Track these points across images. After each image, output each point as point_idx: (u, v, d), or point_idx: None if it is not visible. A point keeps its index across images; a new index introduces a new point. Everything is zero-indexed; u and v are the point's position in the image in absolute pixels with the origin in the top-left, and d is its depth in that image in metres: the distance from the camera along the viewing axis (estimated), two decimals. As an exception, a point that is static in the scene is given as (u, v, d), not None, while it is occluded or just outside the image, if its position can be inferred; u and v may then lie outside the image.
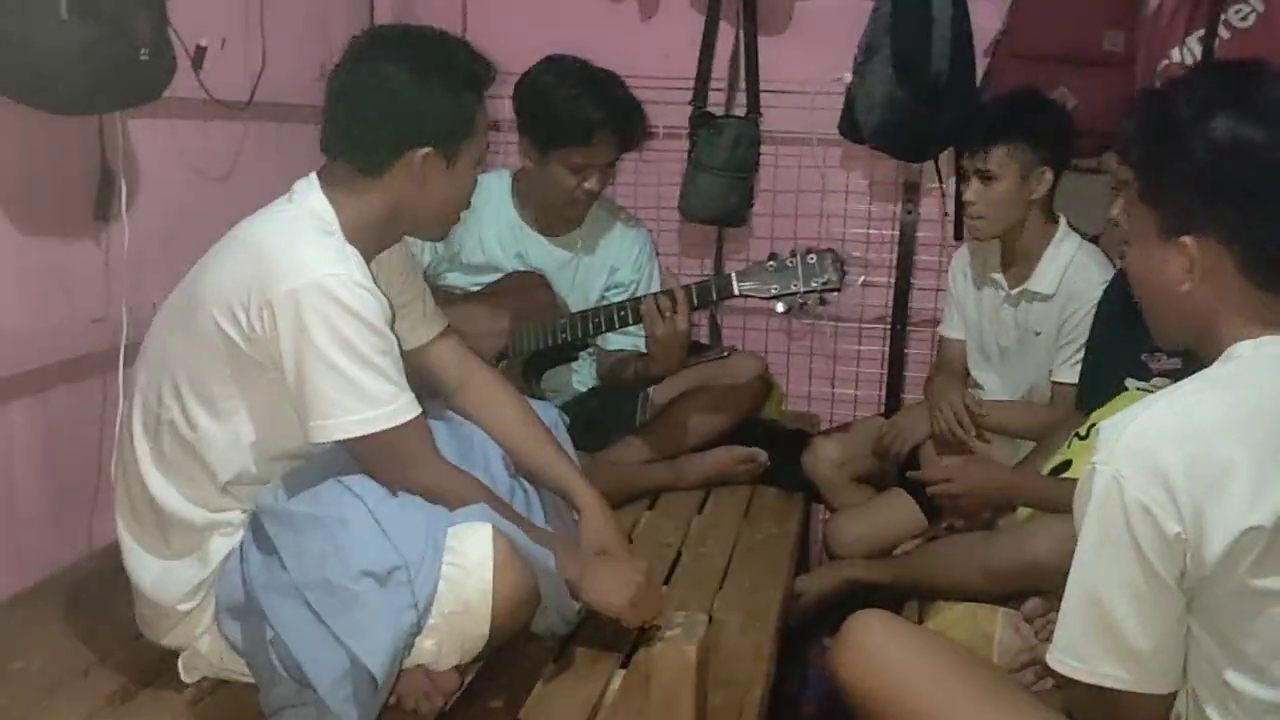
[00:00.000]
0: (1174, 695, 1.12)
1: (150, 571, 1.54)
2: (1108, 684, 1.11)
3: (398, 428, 1.47)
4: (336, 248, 1.48)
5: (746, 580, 1.98)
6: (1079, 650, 1.12)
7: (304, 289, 1.41)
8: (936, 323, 2.80)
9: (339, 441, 1.47)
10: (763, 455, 2.49)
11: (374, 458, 1.49)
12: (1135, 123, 1.18)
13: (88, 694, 1.53)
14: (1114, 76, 2.61)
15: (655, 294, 2.24)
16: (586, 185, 2.33)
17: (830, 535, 2.43)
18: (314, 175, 1.58)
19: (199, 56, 2.21)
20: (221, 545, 1.51)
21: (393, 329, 1.52)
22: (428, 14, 3.06)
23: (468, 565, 1.41)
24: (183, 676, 1.56)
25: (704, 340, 3.06)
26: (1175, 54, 2.54)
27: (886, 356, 3.04)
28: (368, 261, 1.54)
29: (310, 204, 1.54)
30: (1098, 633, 1.10)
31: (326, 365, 1.42)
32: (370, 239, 1.56)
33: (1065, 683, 1.18)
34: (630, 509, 2.30)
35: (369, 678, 1.33)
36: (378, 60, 1.55)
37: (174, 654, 1.58)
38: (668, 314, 2.17)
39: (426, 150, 1.52)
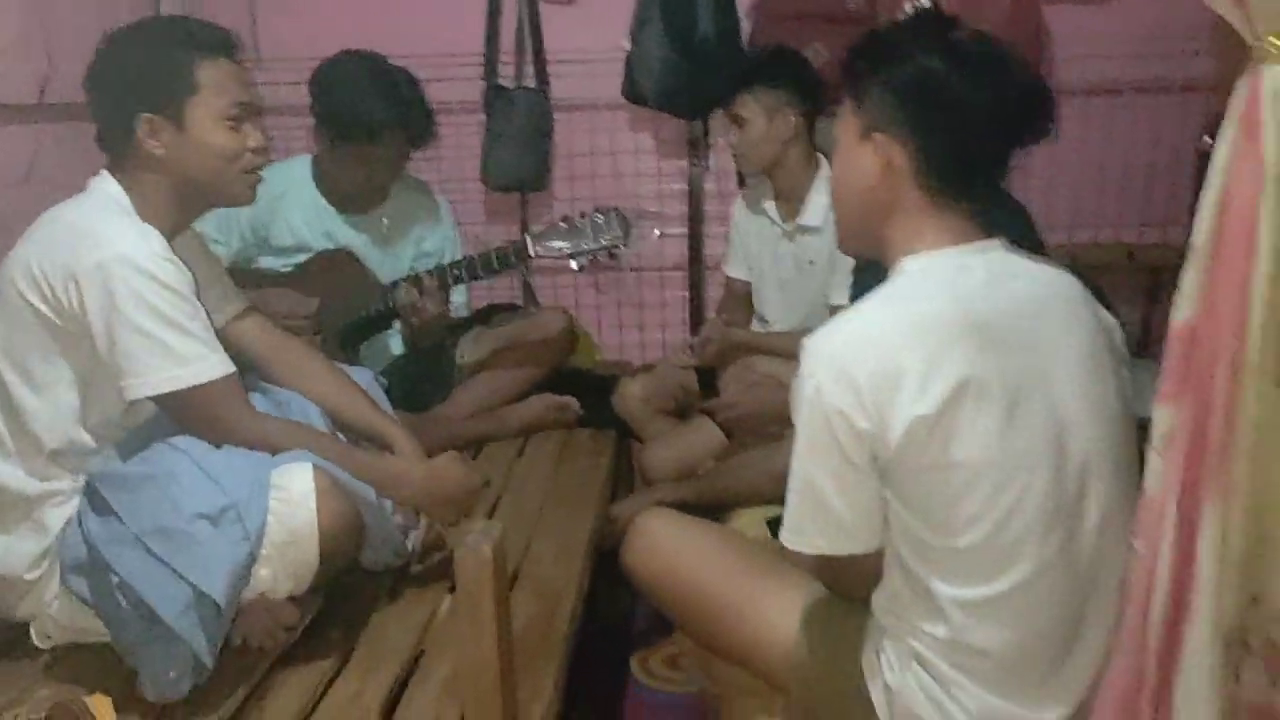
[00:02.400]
0: (880, 552, 1.36)
1: None
2: (825, 552, 1.35)
3: (209, 383, 1.59)
4: (135, 225, 1.59)
5: (561, 511, 2.18)
6: (799, 527, 1.35)
7: (109, 261, 1.52)
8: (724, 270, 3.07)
9: (155, 400, 1.58)
10: (575, 403, 2.69)
11: (189, 414, 1.61)
12: (856, 51, 1.40)
13: (-59, 673, 1.61)
14: (859, 32, 2.86)
15: (407, 279, 2.42)
16: (375, 178, 2.49)
17: (643, 464, 2.64)
18: (104, 169, 1.69)
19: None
20: (57, 515, 1.61)
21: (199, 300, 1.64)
22: (214, 3, 3.13)
23: (292, 499, 1.56)
24: (36, 642, 1.65)
25: (516, 301, 3.25)
26: (908, 8, 2.84)
27: (688, 300, 3.28)
28: (169, 240, 1.64)
29: (106, 189, 1.65)
30: (811, 511, 1.33)
31: (135, 330, 1.53)
32: (164, 217, 1.66)
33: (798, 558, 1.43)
34: (455, 461, 2.47)
35: (212, 605, 1.46)
36: (100, 51, 1.66)
37: (25, 629, 1.67)
38: (419, 302, 2.37)
39: (146, 116, 1.62)
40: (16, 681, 1.58)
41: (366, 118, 2.39)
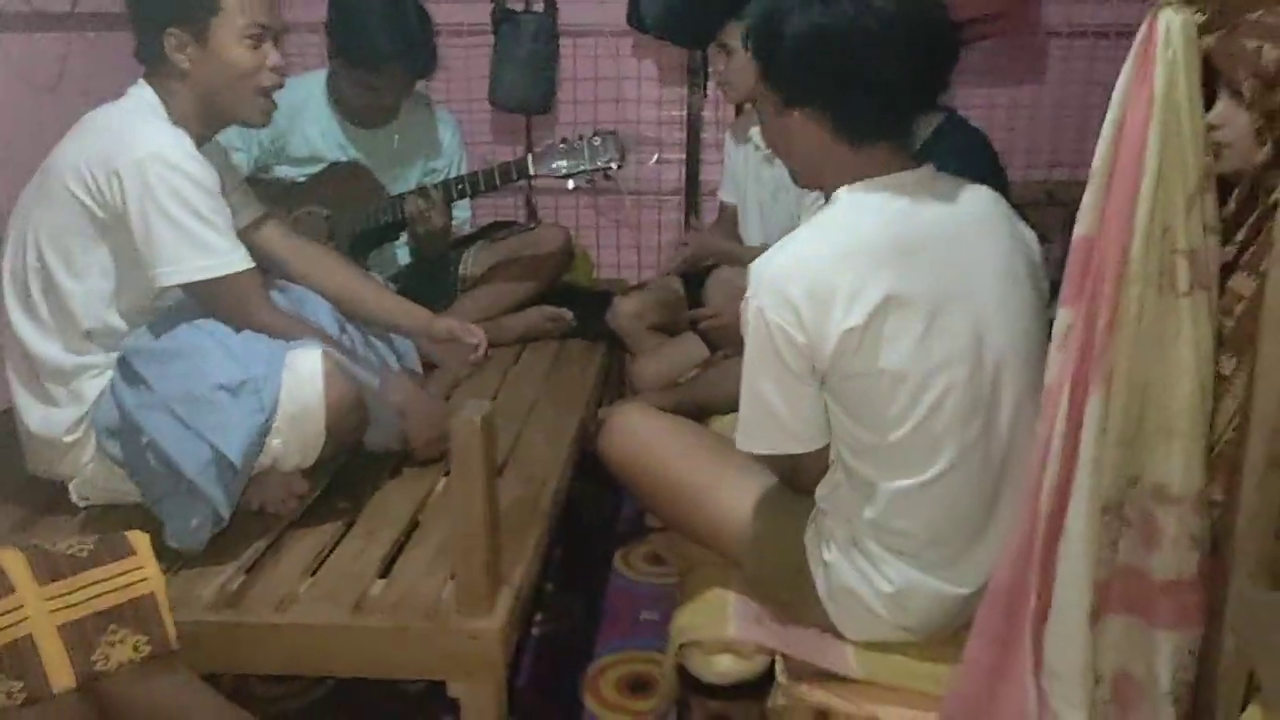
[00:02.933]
0: (826, 449, 1.52)
1: (35, 414, 1.81)
2: (776, 452, 1.52)
3: (233, 275, 1.76)
4: (169, 128, 1.76)
5: (550, 409, 2.36)
6: (751, 432, 1.52)
7: (147, 158, 1.68)
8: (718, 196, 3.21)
9: (183, 288, 1.75)
10: (569, 314, 2.85)
11: (215, 303, 1.78)
12: (750, 23, 1.49)
13: (-9, 526, 1.81)
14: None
15: (413, 192, 2.58)
16: (380, 101, 2.64)
17: (633, 375, 2.81)
18: (141, 78, 1.83)
19: (20, -30, 2.37)
20: (93, 385, 1.79)
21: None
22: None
23: (302, 376, 1.73)
24: (74, 499, 1.84)
25: (519, 218, 3.40)
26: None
27: (682, 224, 3.42)
28: (197, 145, 1.80)
29: (142, 95, 1.80)
30: (762, 419, 1.49)
31: (169, 221, 1.70)
32: (193, 124, 1.82)
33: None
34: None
35: (229, 465, 1.63)
36: None
37: (63, 492, 1.86)
38: (424, 211, 2.52)
39: (172, 31, 1.75)
40: (56, 534, 1.76)
41: (371, 49, 2.53)
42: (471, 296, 2.81)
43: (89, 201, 1.72)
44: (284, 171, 2.70)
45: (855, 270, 1.40)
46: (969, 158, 2.01)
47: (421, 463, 2.01)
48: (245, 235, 1.98)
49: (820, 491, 1.56)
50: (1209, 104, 1.25)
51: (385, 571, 1.68)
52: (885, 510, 1.47)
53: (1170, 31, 1.13)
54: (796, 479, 1.61)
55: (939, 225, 1.46)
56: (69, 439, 1.80)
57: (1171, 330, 1.17)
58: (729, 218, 2.96)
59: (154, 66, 1.81)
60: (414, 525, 1.83)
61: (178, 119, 1.80)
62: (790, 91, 1.46)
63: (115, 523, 1.79)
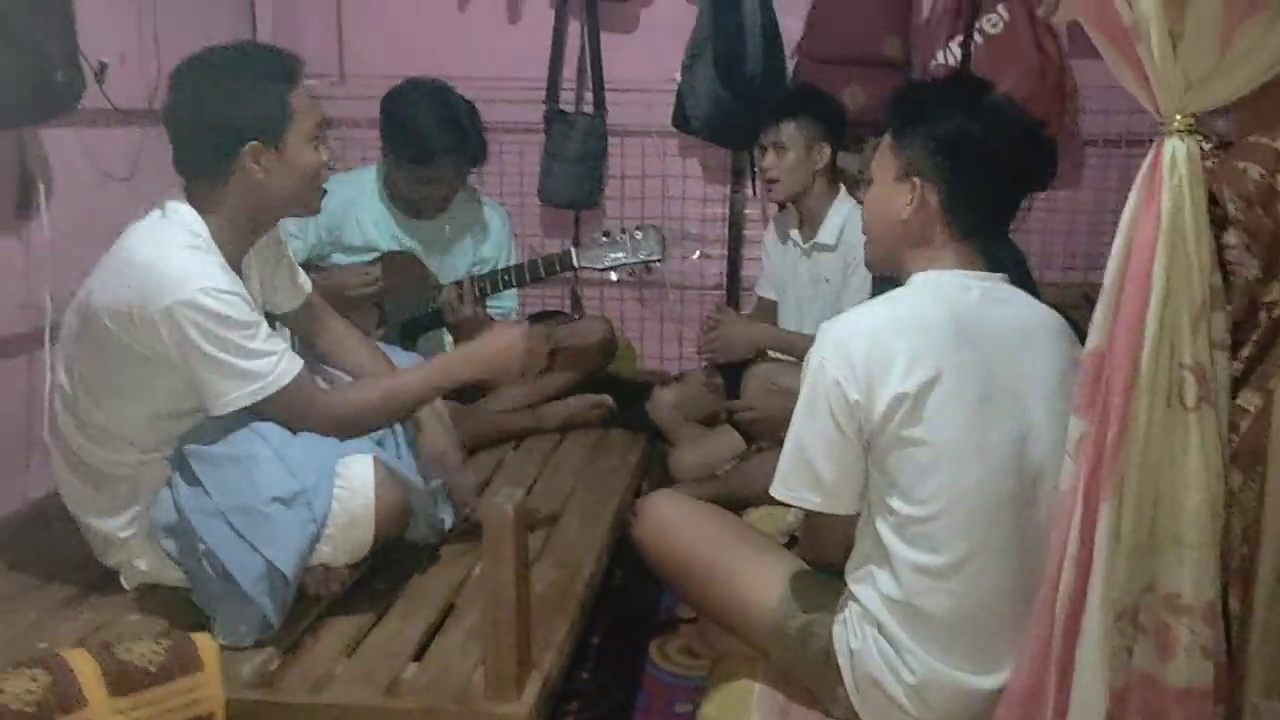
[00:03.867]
0: (855, 519, 1.58)
1: (89, 508, 1.87)
2: (806, 505, 1.58)
3: (281, 389, 1.78)
4: (201, 259, 1.74)
5: (589, 497, 2.41)
6: (788, 481, 1.57)
7: (178, 306, 1.68)
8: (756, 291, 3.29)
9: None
10: (610, 400, 2.92)
11: (269, 413, 1.81)
12: (900, 101, 1.65)
13: (46, 600, 1.88)
14: (895, 76, 3.09)
15: (453, 284, 2.68)
16: (434, 194, 2.76)
17: (671, 466, 2.87)
18: (180, 193, 1.82)
19: (102, 71, 2.52)
20: (151, 483, 1.84)
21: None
22: (306, 24, 3.43)
23: (354, 487, 1.78)
24: (124, 584, 1.91)
25: (564, 309, 3.49)
26: (940, 56, 3.05)
27: (722, 318, 3.49)
28: (243, 255, 1.87)
29: (181, 217, 1.78)
30: (800, 469, 1.55)
31: (210, 362, 1.72)
32: (240, 238, 1.85)
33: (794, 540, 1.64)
34: (497, 449, 2.71)
35: (281, 577, 1.70)
36: (189, 82, 1.79)
37: (113, 573, 1.92)
38: (456, 303, 2.64)
39: (251, 145, 1.76)
40: (108, 610, 1.84)
41: (424, 145, 2.65)
42: (512, 385, 2.88)
43: (128, 340, 1.74)
44: (339, 259, 2.82)
45: (916, 341, 1.49)
46: (1014, 265, 2.10)
47: (463, 533, 2.06)
48: (289, 317, 2.09)
49: (849, 567, 1.60)
50: (1221, 224, 1.30)
51: (420, 654, 1.73)
52: (910, 587, 1.50)
53: (1176, 157, 1.18)
54: (819, 546, 1.67)
55: (1002, 326, 1.54)
56: (124, 534, 1.86)
57: (1180, 443, 1.21)
58: (764, 312, 3.03)
59: (210, 182, 1.79)
60: (450, 607, 1.88)
61: (223, 235, 1.80)
62: (920, 162, 1.57)
63: (166, 601, 1.87)
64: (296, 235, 2.75)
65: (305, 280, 2.14)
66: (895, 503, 1.51)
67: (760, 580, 1.69)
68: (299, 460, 1.77)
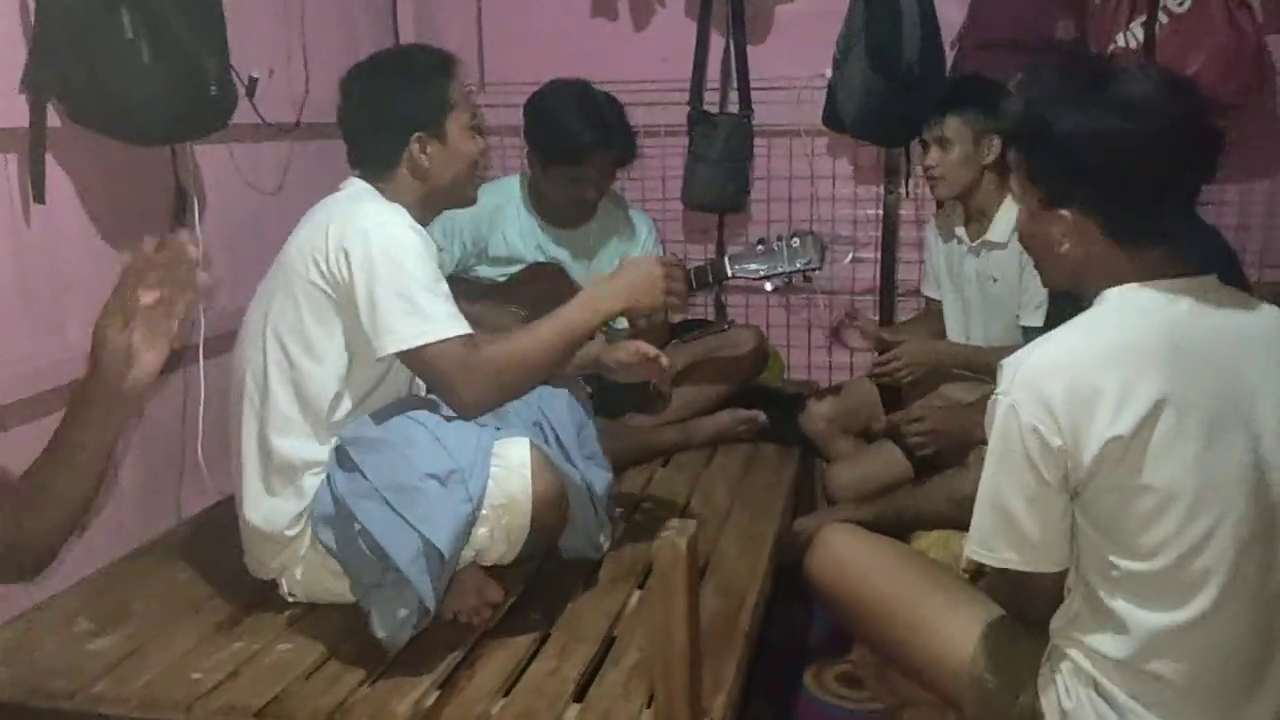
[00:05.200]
0: (1065, 573, 1.40)
1: (260, 508, 1.85)
2: (1010, 566, 1.39)
3: (451, 339, 1.74)
4: (393, 208, 1.82)
5: (745, 518, 2.28)
6: (986, 541, 1.40)
7: (371, 229, 1.74)
8: (921, 292, 3.10)
9: (403, 356, 1.75)
10: (762, 416, 2.78)
11: (433, 370, 1.76)
12: (1008, 117, 1.45)
13: (200, 623, 1.85)
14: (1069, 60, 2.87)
15: None
16: (583, 196, 2.65)
17: (827, 483, 2.72)
18: (354, 177, 1.92)
19: (252, 86, 2.52)
20: (314, 481, 1.82)
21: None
22: (447, 34, 3.40)
23: (510, 467, 1.74)
24: (284, 593, 1.87)
25: (709, 317, 3.37)
26: (1120, 39, 2.81)
27: (877, 324, 3.30)
28: None
29: (360, 186, 1.88)
30: (1000, 526, 1.37)
31: (391, 290, 1.72)
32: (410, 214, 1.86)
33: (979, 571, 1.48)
34: (646, 466, 2.61)
35: (438, 555, 1.64)
36: (356, 86, 1.92)
37: (271, 589, 1.89)
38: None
39: (418, 135, 1.85)
40: (262, 636, 1.80)
41: (573, 141, 2.57)
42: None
43: (322, 284, 1.77)
44: (484, 272, 2.76)
45: (1124, 370, 1.29)
46: (1213, 254, 1.87)
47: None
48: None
49: (1057, 624, 1.42)
50: None
51: (580, 693, 1.62)
52: (1138, 650, 1.32)
53: None
54: (1027, 605, 1.48)
55: (1221, 338, 1.34)
56: (290, 533, 1.83)
57: None
58: (933, 314, 2.85)
59: (381, 173, 1.89)
60: (609, 641, 1.77)
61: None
62: (1056, 191, 1.38)
63: (321, 623, 1.82)
64: (443, 247, 2.70)
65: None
66: (1113, 555, 1.33)
67: (952, 628, 1.53)
68: (454, 440, 1.74)
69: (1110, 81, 1.35)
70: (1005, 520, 1.37)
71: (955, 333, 2.75)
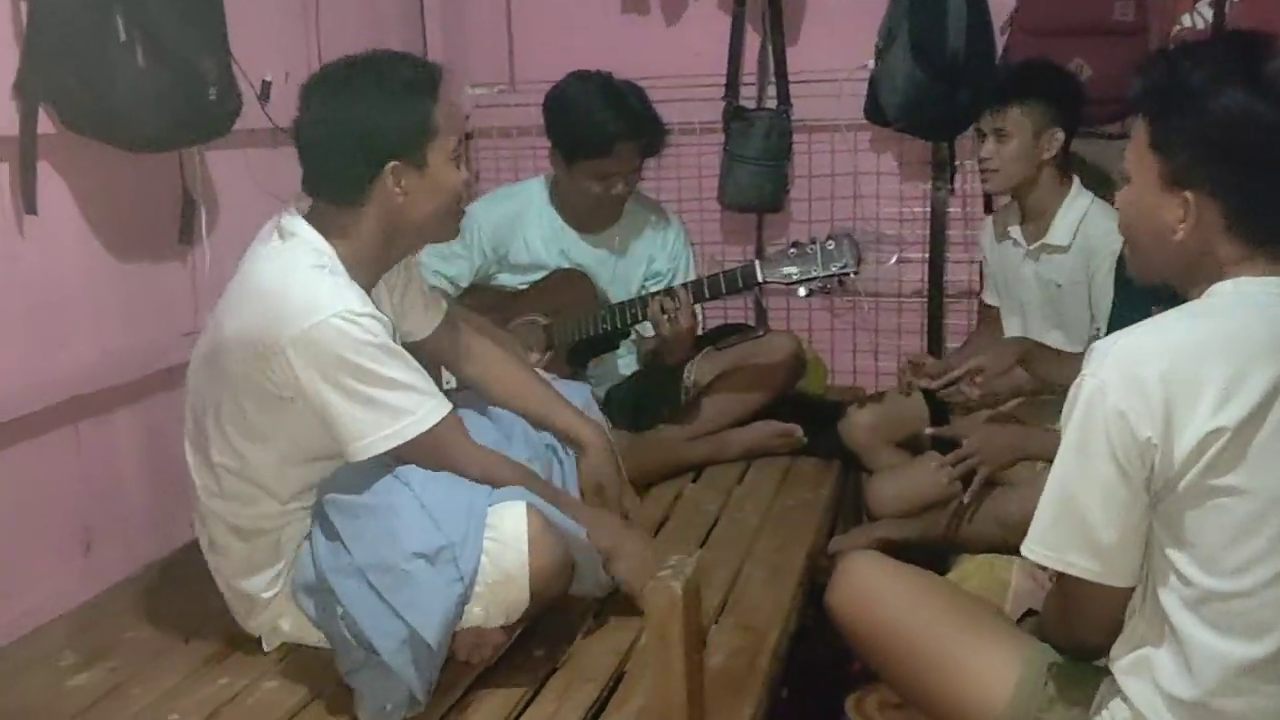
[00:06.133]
0: (1130, 592, 1.24)
1: (229, 565, 1.72)
2: (1074, 572, 1.23)
3: (428, 431, 1.59)
4: (332, 283, 1.56)
5: (775, 540, 2.13)
6: (1050, 540, 1.24)
7: (311, 331, 1.51)
8: (972, 294, 2.93)
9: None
10: (799, 431, 2.62)
11: (414, 459, 1.62)
12: (1151, 81, 1.28)
13: (188, 656, 1.76)
14: (1127, 45, 2.67)
15: (659, 293, 2.41)
16: (612, 191, 2.51)
17: (868, 496, 2.54)
18: (296, 213, 1.65)
19: (265, 90, 2.44)
20: (293, 537, 1.69)
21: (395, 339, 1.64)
22: (476, 32, 3.30)
23: (506, 540, 1.56)
24: (265, 648, 1.76)
25: (749, 321, 3.22)
26: (1186, 19, 2.60)
27: (925, 328, 3.14)
28: (373, 284, 1.67)
29: (303, 239, 1.61)
30: (1068, 525, 1.22)
31: (348, 396, 1.54)
32: (372, 266, 1.67)
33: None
34: (675, 482, 2.47)
35: (425, 646, 1.49)
36: (324, 97, 1.63)
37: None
38: (670, 313, 2.34)
39: (394, 165, 1.58)
40: (248, 673, 1.70)
41: (599, 131, 2.44)
42: (694, 409, 2.63)
43: (261, 380, 1.57)
44: (505, 279, 2.65)
45: (1232, 362, 1.15)
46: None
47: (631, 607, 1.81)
48: (426, 343, 1.89)
49: (1117, 652, 1.25)
50: None
51: (579, 741, 1.49)
52: (1209, 684, 1.17)
53: None
54: (1082, 629, 1.32)
55: None
56: (267, 595, 1.71)
57: None
58: (993, 320, 2.67)
59: (345, 204, 1.62)
60: (617, 680, 1.64)
61: (353, 258, 1.62)
62: (1185, 168, 1.23)
63: (310, 658, 1.71)
64: (462, 255, 2.61)
65: (439, 299, 1.96)
66: (1191, 571, 1.18)
67: (988, 669, 1.37)
68: (445, 509, 1.57)
69: (1270, 59, 1.21)
70: (1076, 520, 1.22)
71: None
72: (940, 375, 2.35)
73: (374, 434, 1.57)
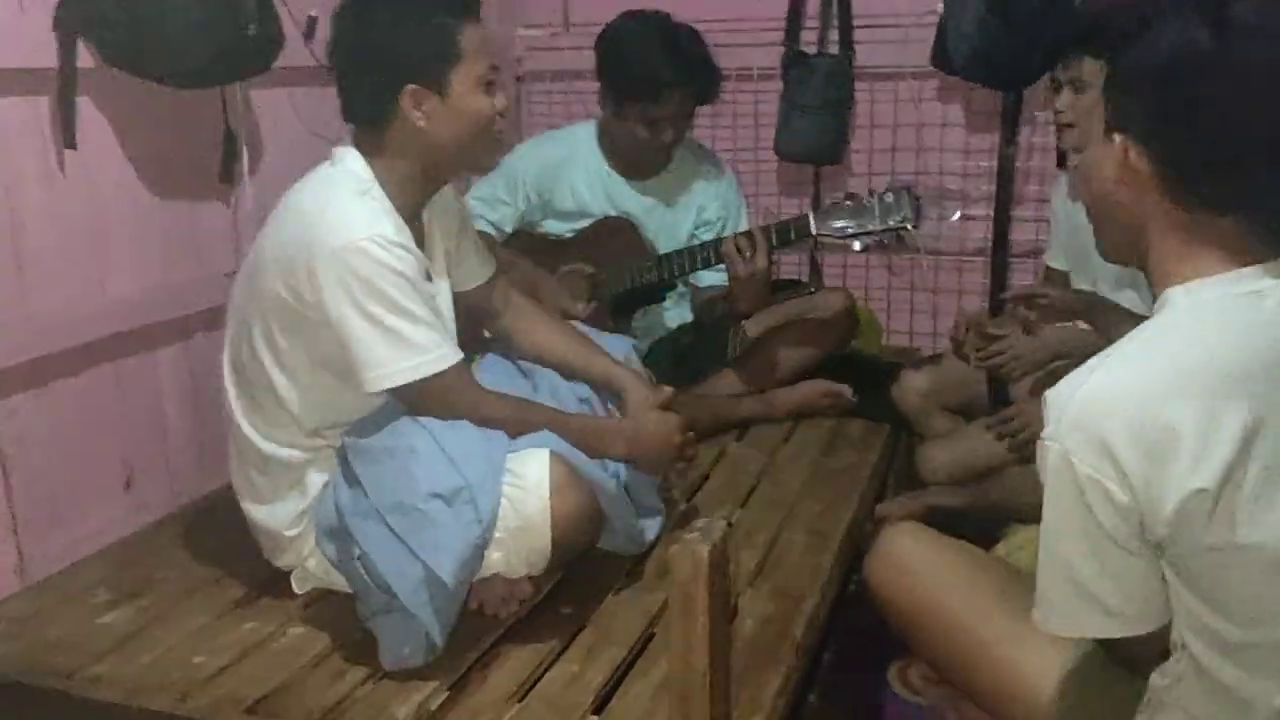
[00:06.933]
0: (1167, 626, 1.12)
1: (260, 508, 1.72)
2: (1093, 635, 1.14)
3: (442, 373, 1.57)
4: (370, 208, 1.57)
5: (818, 504, 2.06)
6: (1058, 609, 1.13)
7: (342, 251, 1.51)
8: (1038, 253, 2.80)
9: (390, 391, 1.58)
10: (849, 391, 2.54)
11: (424, 403, 1.59)
12: (1112, 13, 1.16)
13: (218, 598, 1.75)
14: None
15: (735, 235, 2.32)
16: (661, 138, 2.42)
17: (919, 463, 2.45)
18: (349, 141, 1.67)
19: (310, 26, 2.38)
20: (318, 478, 1.67)
21: (429, 279, 1.65)
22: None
23: (527, 485, 1.54)
24: (295, 589, 1.75)
25: (803, 278, 3.12)
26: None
27: (988, 288, 3.01)
28: (419, 211, 1.66)
29: (348, 166, 1.63)
30: (1071, 593, 1.11)
31: (370, 321, 1.53)
32: (413, 191, 1.66)
33: None
34: (719, 440, 2.40)
35: (442, 586, 1.46)
36: (350, 20, 1.63)
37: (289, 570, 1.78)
38: (747, 254, 2.25)
39: (412, 88, 1.58)
40: (274, 619, 1.69)
41: (650, 75, 2.35)
42: (742, 365, 2.56)
43: (289, 299, 1.57)
44: (551, 226, 2.58)
45: (1202, 401, 1.00)
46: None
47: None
48: (472, 294, 1.87)
49: (1158, 681, 1.17)
50: None
51: (601, 705, 1.45)
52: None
53: None
54: (1124, 659, 1.23)
55: None
56: (291, 533, 1.70)
57: None
58: (1058, 285, 2.54)
59: (374, 128, 1.64)
60: (645, 643, 1.60)
61: (392, 187, 1.63)
62: (1124, 108, 1.10)
63: (337, 605, 1.69)
64: (506, 200, 2.55)
65: (490, 252, 1.93)
66: (1216, 622, 1.06)
67: (1031, 658, 1.29)
68: (463, 451, 1.54)
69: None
70: (1076, 588, 1.10)
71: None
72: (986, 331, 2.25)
73: (390, 366, 1.56)
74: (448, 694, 1.48)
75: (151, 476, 2.19)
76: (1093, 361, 1.08)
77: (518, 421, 1.65)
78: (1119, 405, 1.03)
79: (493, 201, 2.52)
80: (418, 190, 1.68)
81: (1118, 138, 1.10)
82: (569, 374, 1.86)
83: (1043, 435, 1.07)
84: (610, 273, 2.47)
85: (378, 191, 1.61)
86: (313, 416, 1.66)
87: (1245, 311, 1.06)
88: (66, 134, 1.91)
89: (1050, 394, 1.07)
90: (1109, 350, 1.08)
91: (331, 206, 1.57)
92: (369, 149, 1.64)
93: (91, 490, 2.06)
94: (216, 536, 1.96)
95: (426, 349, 1.57)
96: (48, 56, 1.87)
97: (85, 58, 1.91)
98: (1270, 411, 1.00)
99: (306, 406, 1.65)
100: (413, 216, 1.67)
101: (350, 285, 1.52)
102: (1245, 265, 1.07)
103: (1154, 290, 1.13)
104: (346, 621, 1.64)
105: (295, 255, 1.55)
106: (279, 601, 1.73)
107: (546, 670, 1.53)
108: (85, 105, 1.96)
